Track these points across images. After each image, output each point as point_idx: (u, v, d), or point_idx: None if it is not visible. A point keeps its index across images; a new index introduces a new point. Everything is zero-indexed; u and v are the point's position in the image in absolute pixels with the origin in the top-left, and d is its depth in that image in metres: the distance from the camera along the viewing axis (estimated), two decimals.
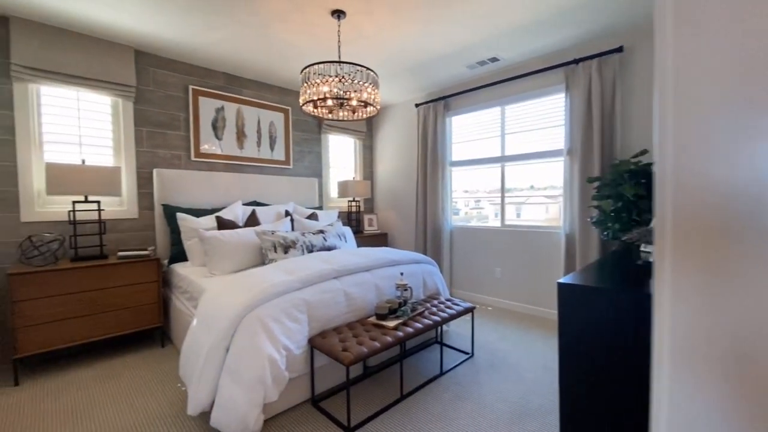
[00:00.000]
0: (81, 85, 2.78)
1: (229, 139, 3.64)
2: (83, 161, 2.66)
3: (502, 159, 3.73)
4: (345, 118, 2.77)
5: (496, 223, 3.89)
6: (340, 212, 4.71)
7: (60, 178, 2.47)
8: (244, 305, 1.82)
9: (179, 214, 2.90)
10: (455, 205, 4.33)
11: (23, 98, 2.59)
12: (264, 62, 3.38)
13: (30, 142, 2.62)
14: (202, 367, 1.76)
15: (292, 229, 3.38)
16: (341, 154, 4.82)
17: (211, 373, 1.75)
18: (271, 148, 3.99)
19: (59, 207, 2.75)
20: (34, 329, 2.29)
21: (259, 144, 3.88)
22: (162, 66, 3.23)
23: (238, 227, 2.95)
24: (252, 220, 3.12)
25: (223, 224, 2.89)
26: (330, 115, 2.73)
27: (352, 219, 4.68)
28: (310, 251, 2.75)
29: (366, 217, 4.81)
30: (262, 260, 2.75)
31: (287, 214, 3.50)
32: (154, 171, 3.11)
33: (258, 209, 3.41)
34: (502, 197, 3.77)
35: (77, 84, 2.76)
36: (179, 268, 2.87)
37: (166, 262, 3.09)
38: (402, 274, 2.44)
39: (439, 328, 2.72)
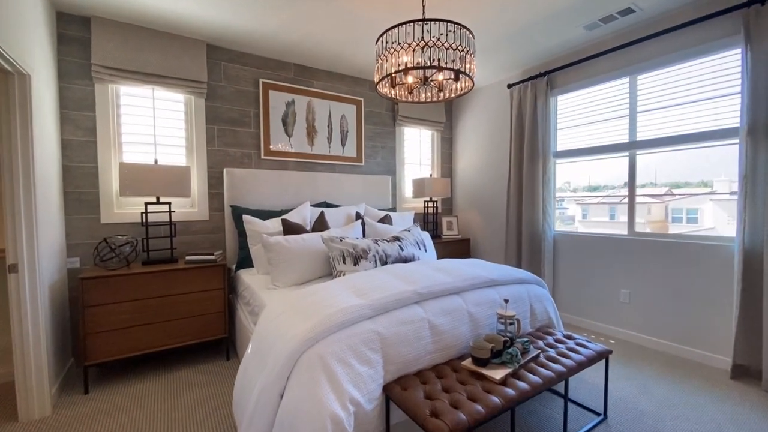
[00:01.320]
0: (157, 83, 2.70)
1: (299, 136, 3.37)
2: (156, 161, 2.56)
3: (632, 146, 2.84)
4: (429, 100, 2.23)
5: (619, 229, 2.99)
6: (415, 214, 4.19)
7: (132, 178, 2.38)
8: (303, 338, 1.40)
9: (245, 217, 2.66)
10: (562, 207, 3.50)
11: (104, 99, 2.57)
12: (335, 46, 3.01)
13: (109, 142, 2.60)
14: (252, 412, 1.39)
15: (363, 235, 2.96)
16: (417, 149, 4.30)
17: (261, 422, 1.36)
18: (342, 143, 3.64)
19: (134, 208, 2.70)
20: (103, 335, 2.20)
21: (329, 140, 3.56)
22: (233, 60, 3.06)
23: (305, 231, 2.61)
24: (320, 224, 2.77)
25: (289, 228, 2.57)
26: (410, 96, 2.22)
27: (428, 222, 4.13)
28: (384, 263, 2.28)
29: (444, 220, 4.21)
30: (329, 271, 2.37)
31: (358, 216, 3.09)
32: (225, 170, 2.95)
33: (327, 211, 3.07)
34: (632, 195, 2.87)
35: (153, 82, 2.69)
36: (245, 275, 2.64)
37: (234, 266, 2.91)
38: (507, 301, 1.81)
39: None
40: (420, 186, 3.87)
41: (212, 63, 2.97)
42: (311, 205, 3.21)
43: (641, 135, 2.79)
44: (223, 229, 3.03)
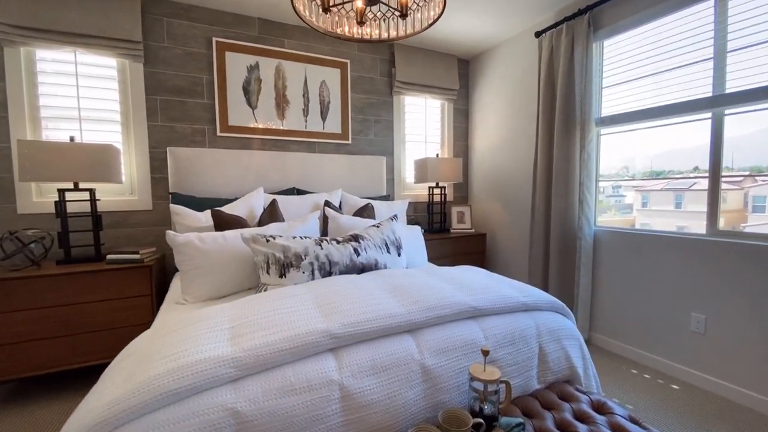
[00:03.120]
0: (79, 44, 2.22)
1: (266, 108, 2.77)
2: (71, 138, 2.09)
3: (717, 102, 1.89)
4: (386, 36, 1.51)
5: (695, 226, 2.08)
6: (411, 203, 3.45)
7: (35, 159, 1.91)
8: (92, 422, 0.80)
9: (172, 207, 2.13)
10: (618, 193, 2.61)
11: (15, 65, 2.14)
12: None
13: (24, 117, 2.17)
14: None
15: (324, 233, 2.31)
16: (421, 124, 3.53)
17: None
18: (323, 117, 2.99)
19: (54, 197, 2.27)
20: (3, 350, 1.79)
21: (305, 112, 2.92)
22: (178, 14, 2.51)
23: (246, 226, 2.03)
24: (270, 217, 2.16)
25: (221, 222, 2.00)
26: (360, 31, 1.51)
27: (432, 213, 3.38)
28: (327, 273, 1.62)
29: (455, 211, 3.44)
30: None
31: (327, 205, 2.45)
32: (168, 150, 2.43)
33: (287, 200, 2.45)
34: (715, 175, 1.94)
35: (74, 43, 2.21)
36: (176, 280, 2.13)
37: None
38: (486, 353, 1.08)
39: None
40: (422, 168, 3.13)
41: (151, 19, 2.44)
42: (278, 193, 2.62)
43: (733, 84, 1.84)
44: (170, 221, 2.54)
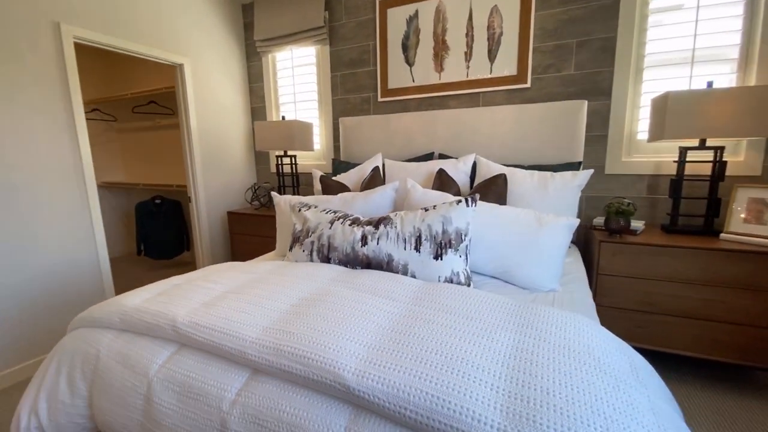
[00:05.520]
0: (291, 42, 2.88)
1: (423, 62, 2.47)
2: (283, 118, 2.84)
3: None
4: None
5: None
6: (638, 177, 1.98)
7: (263, 135, 2.79)
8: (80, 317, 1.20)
9: (315, 172, 2.41)
10: None
11: (267, 69, 3.11)
12: None
13: (272, 105, 3.15)
14: None
15: (397, 207, 1.82)
16: (686, 32, 1.87)
17: None
18: (491, 57, 2.27)
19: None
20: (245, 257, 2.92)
21: (468, 56, 2.33)
22: None
23: (347, 191, 2.00)
24: (369, 185, 2.00)
25: (327, 188, 2.08)
26: None
27: (680, 197, 1.83)
28: (326, 259, 1.34)
29: (742, 197, 1.69)
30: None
31: (441, 175, 1.92)
32: (339, 120, 2.77)
33: (400, 166, 2.15)
34: None
35: (289, 42, 2.89)
36: None
37: None
38: None
39: None
40: (660, 112, 1.73)
41: (333, 2, 2.72)
42: (415, 159, 2.34)
43: None
44: None
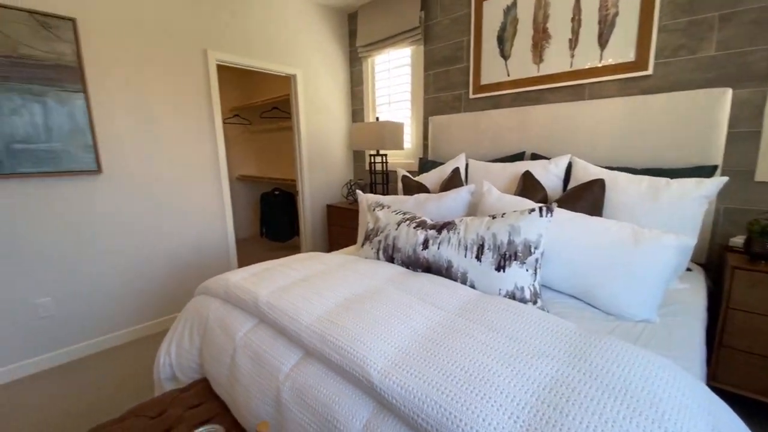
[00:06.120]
0: (388, 45, 3.01)
1: (520, 54, 2.30)
2: (377, 119, 3.02)
3: None
4: None
5: None
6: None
7: (356, 135, 3.03)
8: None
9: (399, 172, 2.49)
10: None
11: (366, 73, 3.31)
12: None
13: (369, 106, 3.36)
14: None
15: (470, 211, 1.70)
16: None
17: None
18: (601, 42, 1.98)
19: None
20: None
21: (573, 43, 2.08)
22: None
23: (425, 192, 2.04)
24: (448, 186, 1.97)
25: (407, 187, 2.15)
26: None
27: None
28: (390, 258, 1.40)
29: None
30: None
31: (526, 178, 1.78)
32: (429, 119, 2.79)
33: (485, 167, 2.04)
34: None
35: (387, 45, 3.03)
36: None
37: None
38: None
39: None
40: None
41: (430, 1, 2.73)
42: (503, 159, 2.21)
43: None
44: None
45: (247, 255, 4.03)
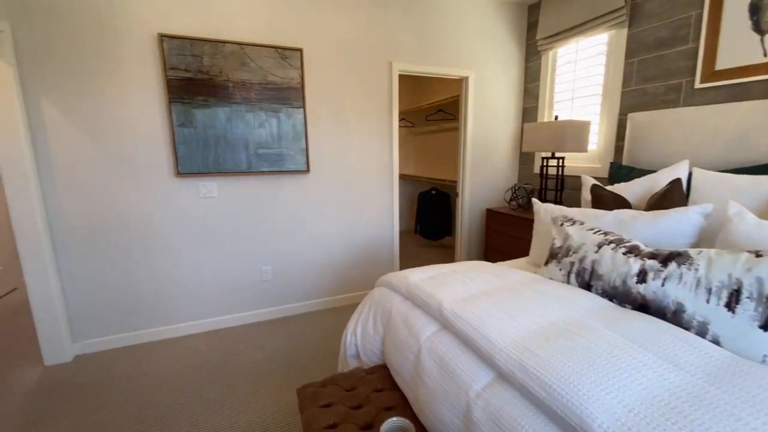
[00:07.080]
0: (578, 33, 2.66)
1: None
2: (556, 117, 2.73)
3: None
4: None
5: None
6: None
7: (531, 136, 2.81)
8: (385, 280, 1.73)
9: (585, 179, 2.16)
10: None
11: (545, 67, 3.02)
12: None
13: (545, 103, 3.06)
14: None
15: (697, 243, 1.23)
16: None
17: None
18: None
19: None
20: (497, 254, 3.12)
21: None
22: None
23: (624, 207, 1.72)
24: (663, 200, 1.59)
25: (598, 199, 1.85)
26: None
27: None
28: (585, 285, 1.21)
29: None
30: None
31: None
32: (628, 117, 2.34)
33: (711, 178, 1.54)
34: None
35: (576, 34, 2.68)
36: None
37: None
38: None
39: None
40: None
41: None
42: (757, 167, 1.64)
43: None
44: None
45: (403, 250, 4.31)
